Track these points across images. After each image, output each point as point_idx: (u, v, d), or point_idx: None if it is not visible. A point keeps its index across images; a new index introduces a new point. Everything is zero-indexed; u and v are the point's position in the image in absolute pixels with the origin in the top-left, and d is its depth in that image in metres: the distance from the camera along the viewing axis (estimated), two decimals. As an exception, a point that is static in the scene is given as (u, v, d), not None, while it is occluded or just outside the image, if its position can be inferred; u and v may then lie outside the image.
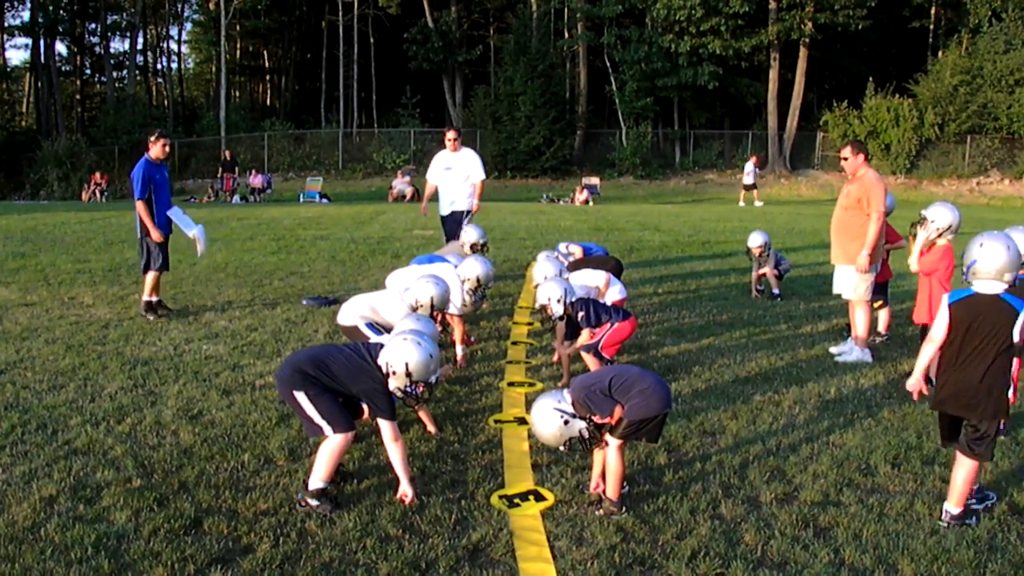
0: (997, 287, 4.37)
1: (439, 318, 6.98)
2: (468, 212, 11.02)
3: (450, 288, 6.84)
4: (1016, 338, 4.31)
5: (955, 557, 4.05)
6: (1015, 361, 5.65)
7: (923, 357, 4.59)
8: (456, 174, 11.02)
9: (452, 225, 11.01)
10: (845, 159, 7.90)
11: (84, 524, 4.23)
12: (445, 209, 11.20)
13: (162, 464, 5.04)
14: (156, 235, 9.09)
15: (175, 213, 9.38)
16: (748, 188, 32.12)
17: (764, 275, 10.87)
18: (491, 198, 33.88)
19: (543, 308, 6.78)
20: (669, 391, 4.59)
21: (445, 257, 8.49)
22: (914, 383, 4.65)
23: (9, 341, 7.88)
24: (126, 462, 5.03)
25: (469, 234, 9.56)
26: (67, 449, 5.25)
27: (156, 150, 9.25)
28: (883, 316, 8.61)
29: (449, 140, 11.06)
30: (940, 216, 6.95)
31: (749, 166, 32.49)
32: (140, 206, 9.06)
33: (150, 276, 9.15)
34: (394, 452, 4.60)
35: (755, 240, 10.93)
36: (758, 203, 31.15)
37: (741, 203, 31.36)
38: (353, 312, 6.52)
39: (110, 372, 6.93)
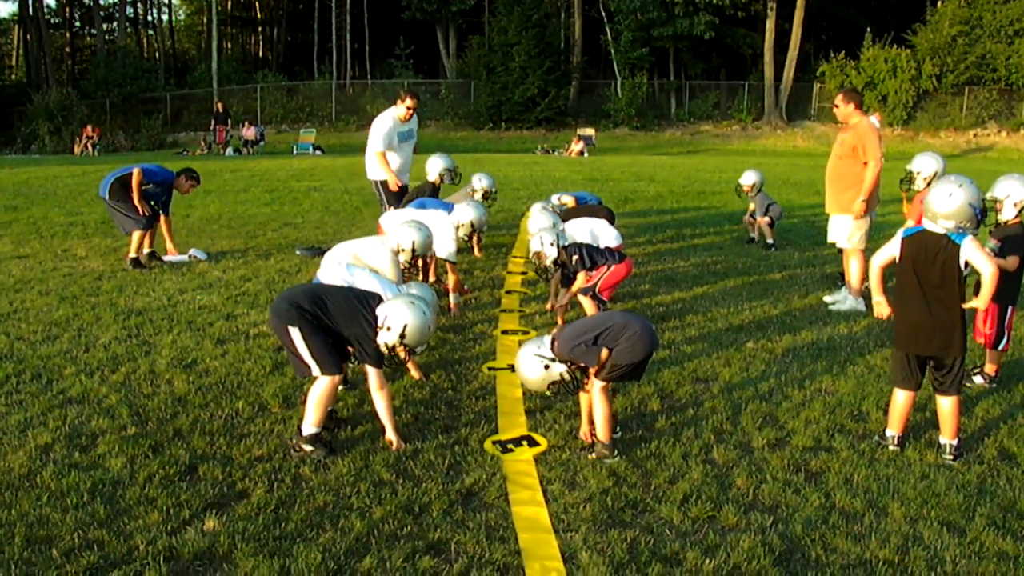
0: (940, 228, 4.50)
1: (421, 265, 6.77)
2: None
3: (439, 234, 6.79)
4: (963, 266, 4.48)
5: (945, 501, 4.09)
6: (1009, 309, 5.70)
7: (873, 279, 4.80)
8: (410, 143, 9.79)
9: (403, 195, 9.60)
10: (837, 107, 7.88)
11: (80, 471, 4.25)
12: (403, 179, 9.75)
13: (157, 412, 5.05)
14: (139, 205, 9.07)
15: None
16: None
17: (758, 224, 10.85)
18: (486, 149, 33.78)
19: (537, 255, 6.72)
20: (655, 333, 4.62)
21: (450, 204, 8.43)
22: (881, 307, 4.82)
23: (3, 293, 7.86)
24: (121, 411, 5.05)
25: (481, 180, 9.54)
26: (62, 398, 5.26)
27: (184, 186, 9.59)
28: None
29: (408, 108, 9.42)
30: (925, 165, 7.44)
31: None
32: (137, 175, 9.04)
33: (136, 234, 9.09)
34: (379, 400, 4.61)
35: (748, 178, 11.05)
36: None
37: None
38: (333, 263, 6.09)
39: (104, 323, 6.93)
